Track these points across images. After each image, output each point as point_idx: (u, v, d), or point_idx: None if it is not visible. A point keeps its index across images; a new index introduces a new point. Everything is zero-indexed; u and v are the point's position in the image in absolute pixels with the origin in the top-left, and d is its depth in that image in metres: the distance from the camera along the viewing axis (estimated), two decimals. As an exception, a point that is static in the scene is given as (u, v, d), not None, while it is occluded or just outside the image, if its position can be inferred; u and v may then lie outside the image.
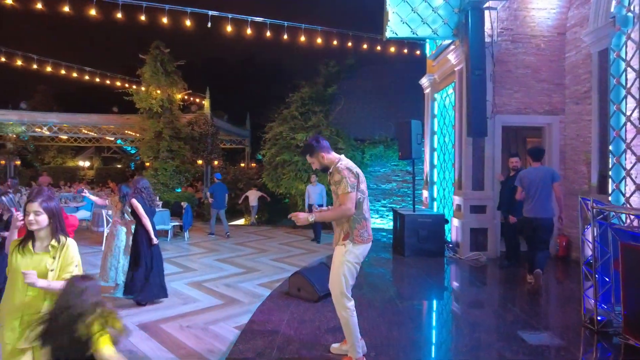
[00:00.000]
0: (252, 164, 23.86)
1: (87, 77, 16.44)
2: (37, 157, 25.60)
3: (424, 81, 10.21)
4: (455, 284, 6.31)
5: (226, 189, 11.65)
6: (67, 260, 2.40)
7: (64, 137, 19.93)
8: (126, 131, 18.73)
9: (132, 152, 30.96)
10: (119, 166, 31.18)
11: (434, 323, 4.61)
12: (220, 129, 18.57)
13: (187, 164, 15.26)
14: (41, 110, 21.03)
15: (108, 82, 17.19)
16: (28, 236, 2.44)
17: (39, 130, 17.60)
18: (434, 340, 4.01)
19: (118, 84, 17.24)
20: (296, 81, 14.13)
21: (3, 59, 14.42)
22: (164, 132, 14.56)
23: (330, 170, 3.28)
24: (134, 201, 5.43)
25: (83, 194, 8.59)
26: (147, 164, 24.18)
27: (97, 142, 24.42)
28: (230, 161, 23.43)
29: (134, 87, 15.22)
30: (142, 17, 9.47)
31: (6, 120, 16.67)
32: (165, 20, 9.68)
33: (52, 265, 2.41)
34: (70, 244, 2.46)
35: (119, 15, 9.30)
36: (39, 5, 9.64)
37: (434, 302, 5.42)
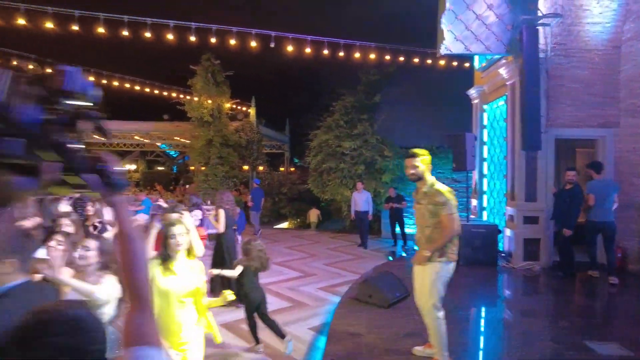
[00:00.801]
0: (292, 169, 24.55)
1: (137, 87, 17.46)
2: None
3: (473, 92, 10.43)
4: (511, 293, 6.57)
5: (263, 193, 12.72)
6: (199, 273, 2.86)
7: (115, 142, 21.01)
8: (175, 137, 19.68)
9: (175, 155, 32.32)
10: (160, 169, 32.60)
11: (499, 330, 4.91)
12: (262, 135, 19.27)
13: (235, 170, 16.00)
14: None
15: (156, 91, 18.15)
16: (167, 255, 2.86)
17: (95, 136, 18.71)
18: (503, 347, 4.33)
19: (165, 93, 18.17)
20: (338, 90, 14.51)
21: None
22: (214, 140, 15.35)
23: (427, 190, 3.58)
24: (222, 212, 6.01)
25: (159, 202, 9.22)
26: (192, 167, 25.23)
27: (142, 146, 25.64)
28: (270, 166, 24.14)
29: (187, 97, 16.05)
30: (192, 38, 10.19)
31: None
32: (213, 39, 10.37)
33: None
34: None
35: (170, 36, 10.09)
36: (101, 30, 10.36)
37: (496, 310, 5.71)
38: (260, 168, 18.05)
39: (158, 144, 21.95)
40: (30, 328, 0.89)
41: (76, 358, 0.88)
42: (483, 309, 5.69)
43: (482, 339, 4.46)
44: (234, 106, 17.67)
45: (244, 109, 19.02)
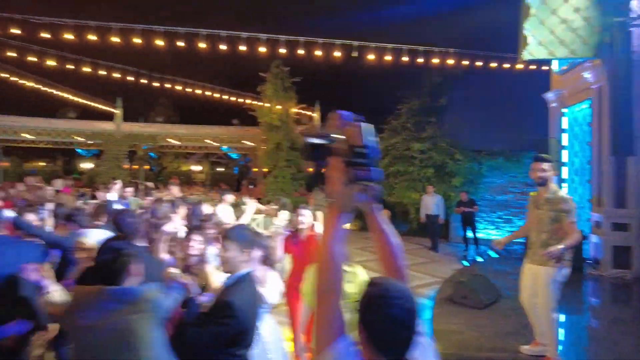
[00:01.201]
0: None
1: (208, 93, 18.55)
2: (157, 162, 29.01)
3: (550, 96, 10.25)
4: (600, 301, 6.49)
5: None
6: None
7: (184, 144, 22.30)
8: (243, 141, 20.70)
9: (236, 157, 33.71)
10: (220, 169, 34.22)
11: (587, 339, 4.95)
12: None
13: (302, 172, 16.61)
14: (165, 122, 24.27)
15: (225, 96, 19.17)
16: None
17: (171, 140, 20.15)
18: (591, 357, 4.38)
19: (233, 98, 19.16)
20: (402, 93, 14.63)
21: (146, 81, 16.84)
22: (283, 144, 16.06)
23: (550, 196, 3.75)
24: (317, 213, 6.48)
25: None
26: (255, 169, 26.29)
27: (205, 148, 27.00)
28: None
29: (257, 103, 16.87)
30: (263, 49, 10.89)
31: (146, 132, 19.38)
32: (283, 49, 10.96)
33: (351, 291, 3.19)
34: (360, 272, 3.13)
35: (243, 47, 10.87)
36: (181, 43, 11.21)
37: (584, 318, 5.70)
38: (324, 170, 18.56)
39: (217, 144, 23.03)
40: (377, 296, 1.28)
41: (412, 319, 1.26)
42: (572, 316, 5.71)
43: (571, 346, 4.56)
44: (300, 111, 18.33)
45: (309, 113, 19.66)
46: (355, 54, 10.50)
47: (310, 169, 1.62)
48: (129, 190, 9.04)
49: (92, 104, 18.88)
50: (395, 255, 1.48)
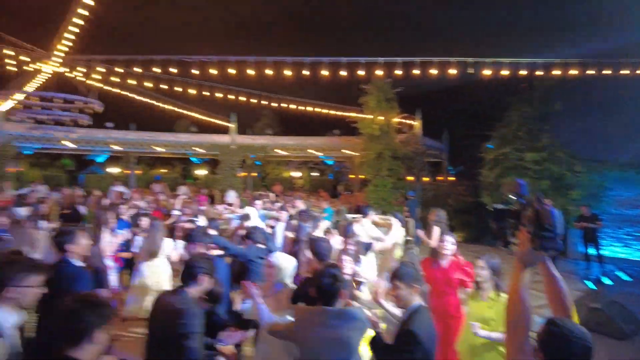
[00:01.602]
0: (449, 177, 24.35)
1: (310, 108, 19.66)
2: (262, 169, 31.07)
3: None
4: None
5: (417, 203, 14.34)
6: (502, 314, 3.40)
7: (290, 154, 23.59)
8: (343, 150, 21.44)
9: (331, 163, 34.74)
10: (314, 174, 35.51)
11: None
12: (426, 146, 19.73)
13: (402, 181, 16.77)
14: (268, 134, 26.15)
15: (332, 111, 20.11)
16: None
17: (278, 150, 21.60)
18: None
19: (338, 113, 20.04)
20: (511, 98, 14.02)
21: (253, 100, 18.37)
22: (384, 153, 16.37)
23: None
24: (437, 228, 6.72)
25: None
26: (352, 175, 26.91)
27: (308, 158, 28.17)
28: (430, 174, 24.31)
29: (359, 114, 17.38)
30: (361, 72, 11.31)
31: (257, 143, 21.07)
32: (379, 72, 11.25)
33: (490, 316, 3.42)
34: (503, 298, 3.35)
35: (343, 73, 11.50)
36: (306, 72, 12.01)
37: None
38: (426, 179, 18.49)
39: (319, 154, 23.98)
40: (561, 335, 1.65)
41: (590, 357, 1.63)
42: None
43: None
44: (401, 120, 18.48)
45: (409, 121, 19.71)
46: (471, 70, 10.47)
47: (494, 227, 2.24)
48: (258, 202, 10.01)
49: (210, 119, 21.33)
50: (565, 299, 1.86)
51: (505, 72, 10.54)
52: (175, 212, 8.25)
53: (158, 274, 5.69)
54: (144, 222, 7.42)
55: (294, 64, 10.80)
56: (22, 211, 9.40)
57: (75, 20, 10.22)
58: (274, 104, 18.55)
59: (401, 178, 16.85)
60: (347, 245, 4.74)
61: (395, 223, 6.59)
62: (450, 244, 4.39)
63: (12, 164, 17.18)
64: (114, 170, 29.42)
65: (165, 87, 13.52)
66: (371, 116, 16.61)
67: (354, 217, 14.43)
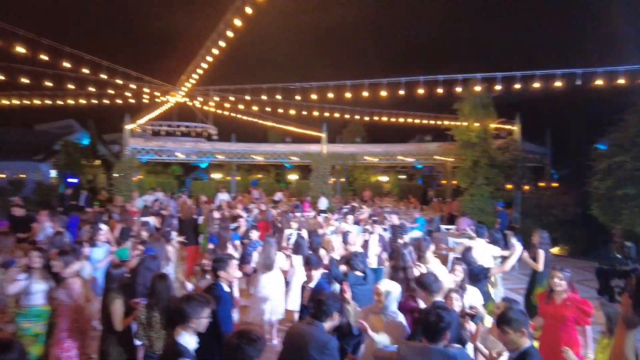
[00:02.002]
0: (552, 183, 22.55)
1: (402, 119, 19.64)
2: (349, 173, 31.54)
3: None
4: None
5: (507, 215, 14.09)
6: None
7: (375, 159, 23.68)
8: (435, 157, 21.03)
9: (419, 167, 34.04)
10: (401, 177, 35.01)
11: None
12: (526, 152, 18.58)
13: (501, 190, 16.00)
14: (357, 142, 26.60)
15: (417, 120, 19.88)
16: None
17: (367, 158, 21.90)
18: None
19: (431, 122, 19.78)
20: (628, 99, 12.65)
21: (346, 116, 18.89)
22: (481, 161, 15.78)
23: None
24: (541, 252, 6.51)
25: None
26: (444, 181, 26.18)
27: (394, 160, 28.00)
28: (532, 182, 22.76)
29: (452, 122, 16.95)
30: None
31: (347, 152, 21.60)
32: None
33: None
34: None
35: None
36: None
37: None
38: (526, 187, 17.43)
39: (410, 160, 23.66)
40: None
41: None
42: None
43: None
44: (499, 126, 17.64)
45: (508, 127, 18.74)
46: (579, 82, 9.78)
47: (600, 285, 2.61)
48: (350, 217, 10.29)
49: (303, 131, 22.59)
50: None
51: (620, 81, 9.62)
52: (288, 232, 8.90)
53: (273, 285, 6.36)
54: (254, 234, 8.20)
55: (389, 85, 11.06)
56: (150, 221, 10.81)
57: (202, 62, 11.59)
58: (366, 118, 19.08)
59: (499, 187, 16.08)
60: (456, 272, 4.81)
61: (517, 245, 6.38)
62: (561, 280, 4.27)
63: (135, 174, 19.72)
64: (216, 175, 32.07)
65: (269, 109, 14.80)
66: (466, 123, 16.10)
67: (447, 228, 14.22)
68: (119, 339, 4.02)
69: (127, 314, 4.08)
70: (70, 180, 27.28)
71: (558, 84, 10.01)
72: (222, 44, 8.70)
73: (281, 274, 6.73)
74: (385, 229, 10.23)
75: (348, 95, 11.41)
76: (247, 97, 12.88)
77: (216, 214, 10.25)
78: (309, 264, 4.60)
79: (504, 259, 7.36)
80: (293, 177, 33.32)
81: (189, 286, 5.26)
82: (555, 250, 15.46)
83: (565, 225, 15.32)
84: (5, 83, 12.32)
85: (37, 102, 16.44)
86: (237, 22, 7.34)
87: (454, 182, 20.02)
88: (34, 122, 39.18)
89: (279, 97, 12.05)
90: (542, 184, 23.33)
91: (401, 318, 3.84)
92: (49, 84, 12.08)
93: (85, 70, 11.75)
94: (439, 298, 3.85)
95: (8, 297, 5.25)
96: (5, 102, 16.77)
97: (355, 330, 3.90)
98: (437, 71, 11.11)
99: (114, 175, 19.23)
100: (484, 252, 7.40)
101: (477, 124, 15.90)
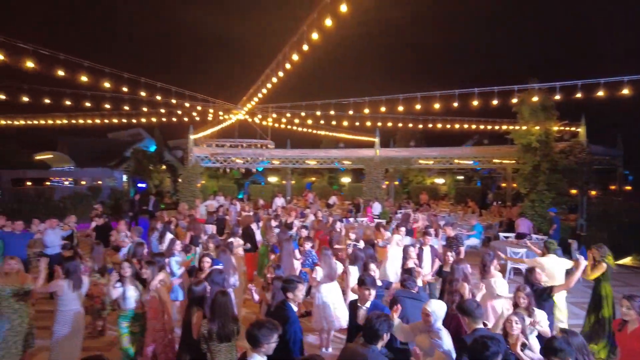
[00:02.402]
0: (626, 187, 21.12)
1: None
2: (403, 176, 31.17)
3: None
4: None
5: (558, 220, 13.61)
6: None
7: (430, 162, 23.30)
8: (494, 160, 20.45)
9: (478, 169, 32.98)
10: (459, 178, 33.97)
11: None
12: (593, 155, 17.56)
13: (564, 196, 15.28)
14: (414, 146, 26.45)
15: (473, 126, 19.47)
16: None
17: (422, 161, 21.71)
18: None
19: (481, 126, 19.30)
20: None
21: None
22: (542, 166, 15.16)
23: None
24: (604, 265, 6.33)
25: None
26: (504, 184, 25.24)
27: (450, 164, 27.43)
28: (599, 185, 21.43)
29: (510, 127, 16.44)
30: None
31: (400, 156, 21.55)
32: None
33: None
34: None
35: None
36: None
37: None
38: (593, 192, 16.48)
39: (467, 162, 23.04)
40: None
41: None
42: None
43: None
44: (562, 128, 16.81)
45: (572, 128, 17.82)
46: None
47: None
48: (403, 229, 10.29)
49: (356, 137, 22.87)
50: None
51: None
52: (350, 242, 9.18)
53: (334, 294, 6.72)
54: (308, 245, 8.58)
55: (442, 97, 11.03)
56: (209, 229, 11.47)
57: (267, 83, 12.40)
58: (420, 126, 19.09)
59: (562, 192, 15.34)
60: (520, 299, 4.78)
61: (581, 259, 6.24)
62: (629, 310, 4.10)
63: (198, 180, 21.00)
64: (272, 179, 33.15)
65: (323, 122, 15.38)
66: (525, 127, 15.53)
67: (506, 236, 13.82)
68: (197, 348, 4.50)
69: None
70: (140, 185, 29.51)
71: (625, 91, 9.45)
72: (287, 65, 9.22)
73: (338, 284, 7.04)
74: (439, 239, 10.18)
75: (400, 108, 11.54)
76: (303, 114, 13.47)
77: (274, 223, 10.74)
78: (363, 284, 4.70)
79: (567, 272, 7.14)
80: (346, 179, 33.58)
81: (256, 296, 5.69)
82: (626, 260, 14.46)
83: (638, 232, 14.30)
84: (92, 108, 14.09)
85: (114, 120, 18.46)
86: (305, 47, 7.80)
87: (515, 185, 19.30)
88: (107, 131, 42.69)
89: (332, 112, 12.49)
90: (613, 187, 21.92)
91: (446, 336, 4.01)
92: (126, 107, 13.72)
93: (158, 97, 13.28)
94: (480, 325, 3.91)
95: (110, 300, 6.38)
96: (89, 121, 19.14)
97: (397, 343, 4.16)
98: (492, 81, 10.98)
99: (178, 181, 20.62)
100: (557, 268, 7.19)
101: (537, 127, 15.28)
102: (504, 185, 25.61)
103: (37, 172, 28.60)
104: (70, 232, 11.12)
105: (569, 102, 15.40)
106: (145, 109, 14.39)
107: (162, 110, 15.20)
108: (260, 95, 12.98)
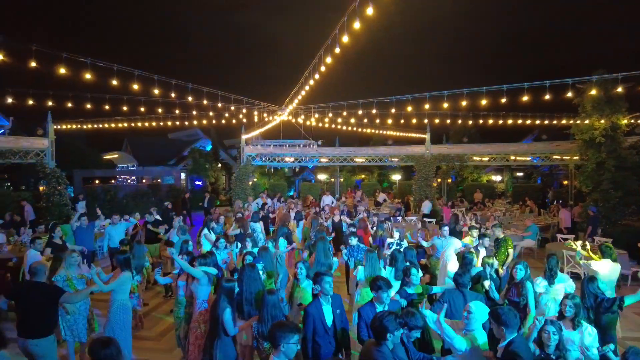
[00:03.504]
0: None
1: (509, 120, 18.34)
2: (457, 173, 30.07)
3: None
4: None
5: (597, 220, 13.10)
6: None
7: (485, 158, 22.32)
8: (554, 157, 19.26)
9: (538, 165, 31.15)
10: (518, 174, 32.24)
11: None
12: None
13: (633, 196, 14.02)
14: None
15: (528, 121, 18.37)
16: None
17: (477, 158, 20.89)
18: None
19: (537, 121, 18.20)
20: None
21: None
22: (607, 163, 14.01)
23: None
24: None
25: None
26: (565, 182, 23.63)
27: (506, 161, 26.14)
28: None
29: (573, 121, 15.31)
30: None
31: (453, 153, 20.83)
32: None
33: None
34: None
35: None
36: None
37: None
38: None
39: (524, 158, 21.80)
40: None
41: None
42: None
43: None
44: (632, 121, 15.39)
45: (644, 121, 16.32)
46: None
47: None
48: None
49: (405, 134, 22.38)
50: None
51: None
52: (389, 241, 9.08)
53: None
54: (353, 241, 8.57)
55: (488, 93, 10.52)
56: (257, 226, 11.77)
57: (305, 85, 12.60)
58: (470, 122, 18.33)
59: (631, 192, 14.07)
60: (567, 308, 4.47)
61: None
62: None
63: (251, 178, 21.63)
64: (322, 177, 33.39)
65: (365, 120, 15.24)
66: (587, 121, 14.39)
67: (563, 238, 12.96)
68: (228, 343, 4.67)
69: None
70: (196, 182, 30.92)
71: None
72: (322, 68, 9.30)
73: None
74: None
75: (445, 105, 11.16)
76: (344, 113, 13.48)
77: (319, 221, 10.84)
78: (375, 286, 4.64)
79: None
80: (396, 177, 33.03)
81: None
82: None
83: None
84: (147, 112, 15.16)
85: (169, 123, 19.61)
86: (337, 50, 7.86)
87: (576, 184, 18.03)
88: (168, 131, 45.10)
89: (374, 111, 12.36)
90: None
91: (481, 337, 3.94)
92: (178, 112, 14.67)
93: (205, 101, 14.00)
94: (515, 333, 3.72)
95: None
96: (147, 124, 20.44)
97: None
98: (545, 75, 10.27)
99: (232, 179, 21.34)
100: (611, 274, 6.70)
101: (602, 121, 14.10)
102: (565, 183, 24.00)
103: (104, 171, 30.80)
104: (134, 225, 12.05)
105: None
106: (194, 112, 15.14)
107: (211, 113, 15.91)
108: (300, 97, 13.12)
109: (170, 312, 7.87)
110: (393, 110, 12.23)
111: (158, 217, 12.27)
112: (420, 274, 5.89)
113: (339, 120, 15.65)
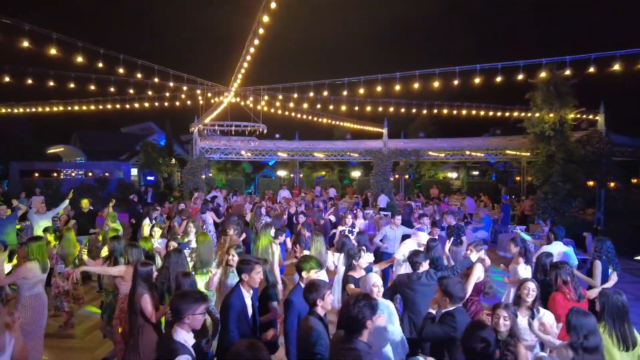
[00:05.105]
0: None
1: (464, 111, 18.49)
2: (415, 170, 30.39)
3: None
4: None
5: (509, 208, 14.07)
6: None
7: (442, 154, 22.51)
8: (507, 151, 19.61)
9: (493, 162, 32.01)
10: (474, 173, 33.04)
11: None
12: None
13: (580, 189, 14.40)
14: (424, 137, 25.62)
15: (481, 112, 18.59)
16: None
17: (433, 154, 20.99)
18: None
19: (498, 114, 18.45)
20: None
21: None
22: (557, 156, 14.30)
23: None
24: (597, 263, 5.71)
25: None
26: (518, 178, 24.30)
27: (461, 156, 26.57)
28: (622, 178, 20.27)
29: (525, 114, 15.57)
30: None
31: (409, 147, 20.83)
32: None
33: None
34: None
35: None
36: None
37: None
38: (611, 184, 15.54)
39: (479, 154, 22.16)
40: None
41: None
42: None
43: None
44: (578, 116, 15.83)
45: (590, 117, 16.84)
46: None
47: None
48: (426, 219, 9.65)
49: (363, 127, 22.15)
50: None
51: None
52: (341, 228, 8.72)
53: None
54: (307, 233, 8.12)
55: (442, 74, 10.35)
56: (207, 217, 11.21)
57: (244, 61, 11.98)
58: (424, 111, 18.28)
59: (579, 184, 14.44)
60: (526, 293, 4.12)
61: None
62: None
63: (204, 172, 20.73)
64: (282, 173, 32.78)
65: (319, 106, 14.84)
66: (538, 114, 14.64)
67: (517, 228, 13.11)
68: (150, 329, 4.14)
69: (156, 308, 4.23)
70: (149, 178, 29.52)
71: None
72: (256, 41, 8.77)
73: (325, 274, 6.53)
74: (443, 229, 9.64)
75: (397, 88, 10.88)
76: (295, 95, 12.97)
77: (263, 210, 10.40)
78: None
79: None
80: (356, 173, 32.93)
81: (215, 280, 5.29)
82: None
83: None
84: (95, 92, 14.04)
85: (117, 106, 18.14)
86: (265, 19, 7.40)
87: (529, 178, 18.45)
88: (120, 126, 43.02)
89: (325, 93, 11.92)
90: (634, 180, 20.78)
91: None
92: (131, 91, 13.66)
93: (156, 79, 13.06)
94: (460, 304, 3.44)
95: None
96: (92, 107, 18.78)
97: None
98: (497, 57, 10.18)
99: (182, 172, 20.40)
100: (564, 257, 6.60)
101: (551, 115, 14.38)
102: (518, 179, 24.68)
103: (46, 164, 28.87)
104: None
105: (588, 88, 14.45)
106: (132, 91, 14.10)
107: (150, 93, 14.82)
108: (242, 73, 12.49)
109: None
110: (345, 93, 11.80)
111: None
112: (372, 258, 5.60)
113: (291, 104, 15.08)
